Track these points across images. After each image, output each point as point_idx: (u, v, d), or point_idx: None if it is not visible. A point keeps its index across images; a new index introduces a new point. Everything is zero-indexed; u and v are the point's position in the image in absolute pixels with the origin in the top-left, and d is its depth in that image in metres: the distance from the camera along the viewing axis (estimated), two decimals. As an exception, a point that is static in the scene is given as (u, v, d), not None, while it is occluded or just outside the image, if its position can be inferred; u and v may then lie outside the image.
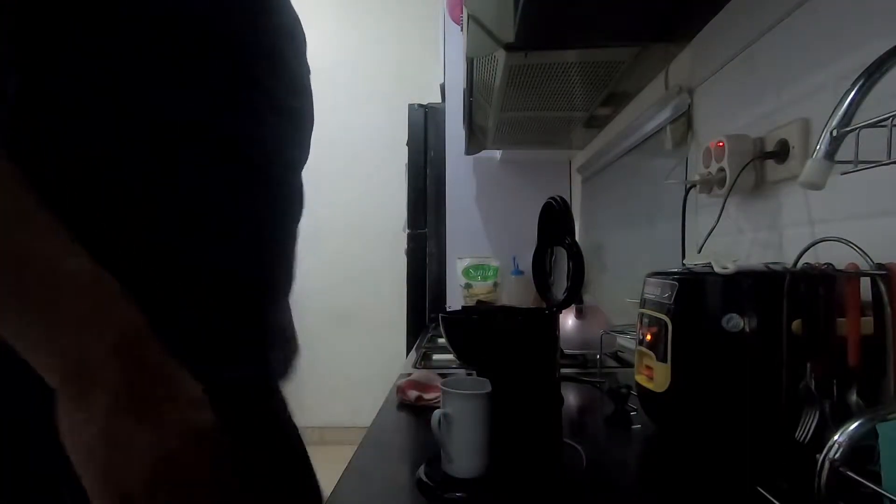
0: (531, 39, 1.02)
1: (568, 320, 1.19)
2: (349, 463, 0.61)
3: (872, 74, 0.43)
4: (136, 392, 0.35)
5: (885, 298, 0.47)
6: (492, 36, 1.01)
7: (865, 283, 0.49)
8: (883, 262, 0.48)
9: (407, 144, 2.35)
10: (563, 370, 1.05)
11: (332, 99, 3.42)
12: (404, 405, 0.86)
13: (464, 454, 0.54)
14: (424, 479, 0.55)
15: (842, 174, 0.48)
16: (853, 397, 0.49)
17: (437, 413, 0.55)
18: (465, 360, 0.63)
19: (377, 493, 0.56)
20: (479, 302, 1.89)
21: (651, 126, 1.26)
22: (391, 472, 0.62)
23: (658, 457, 0.66)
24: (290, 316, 0.58)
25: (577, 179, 2.14)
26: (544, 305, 0.67)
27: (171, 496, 0.35)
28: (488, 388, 0.55)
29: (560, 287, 0.64)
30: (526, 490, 0.54)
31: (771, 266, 0.59)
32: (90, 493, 0.34)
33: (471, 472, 0.54)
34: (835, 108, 0.45)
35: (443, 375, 0.96)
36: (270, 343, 0.53)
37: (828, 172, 0.47)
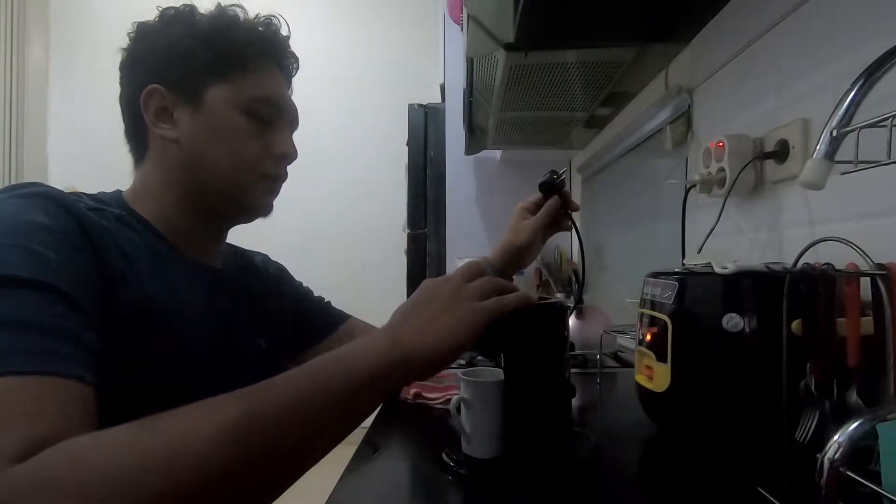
0: (531, 39, 1.02)
1: (568, 320, 1.19)
2: (349, 463, 0.61)
3: (872, 74, 0.43)
4: None
5: (885, 298, 0.47)
6: (492, 36, 1.01)
7: (865, 283, 0.49)
8: (883, 262, 0.48)
9: (407, 144, 2.35)
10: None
11: (333, 99, 3.42)
12: (404, 404, 0.86)
13: (480, 436, 0.59)
14: (446, 458, 0.59)
15: (842, 174, 0.48)
16: (853, 397, 0.49)
17: (455, 398, 0.61)
18: (483, 348, 0.64)
19: (377, 493, 0.57)
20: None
21: (651, 126, 1.26)
22: (391, 472, 0.62)
23: (658, 457, 0.66)
24: None
25: (577, 179, 2.14)
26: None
27: None
28: (501, 377, 0.60)
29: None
30: (540, 468, 0.56)
31: (771, 266, 0.59)
32: None
33: (488, 452, 0.59)
34: (835, 108, 0.45)
35: (441, 375, 0.96)
36: None
37: (828, 172, 0.47)
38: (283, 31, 0.70)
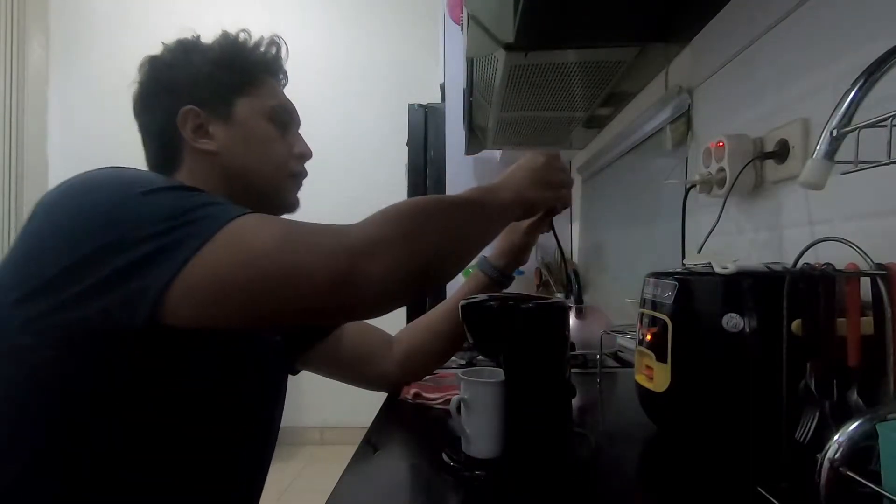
0: (531, 39, 1.02)
1: (568, 320, 1.19)
2: (349, 463, 0.61)
3: (872, 74, 0.43)
4: None
5: (885, 298, 0.47)
6: (492, 36, 1.01)
7: (865, 283, 0.49)
8: (883, 262, 0.48)
9: (407, 144, 2.35)
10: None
11: (333, 99, 3.42)
12: (404, 404, 0.86)
13: (480, 436, 0.60)
14: (446, 458, 0.60)
15: (842, 174, 0.48)
16: (853, 397, 0.49)
17: (455, 398, 0.61)
18: (484, 347, 0.64)
19: (377, 492, 0.57)
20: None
21: (651, 126, 1.26)
22: (391, 472, 0.62)
23: (658, 457, 0.66)
24: None
25: (577, 179, 2.15)
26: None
27: None
28: (502, 378, 0.60)
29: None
30: (540, 469, 0.56)
31: (771, 266, 0.59)
32: None
33: (488, 452, 0.59)
34: (835, 108, 0.45)
35: (441, 375, 0.96)
36: None
37: (828, 172, 0.47)
38: (283, 49, 0.79)
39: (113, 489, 0.54)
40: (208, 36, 0.75)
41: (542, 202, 0.73)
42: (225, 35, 0.74)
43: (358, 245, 0.50)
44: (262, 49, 0.76)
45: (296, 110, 0.79)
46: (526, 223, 0.88)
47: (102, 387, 0.53)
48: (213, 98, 0.70)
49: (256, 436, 0.72)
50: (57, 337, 0.50)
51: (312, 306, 0.51)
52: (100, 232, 0.50)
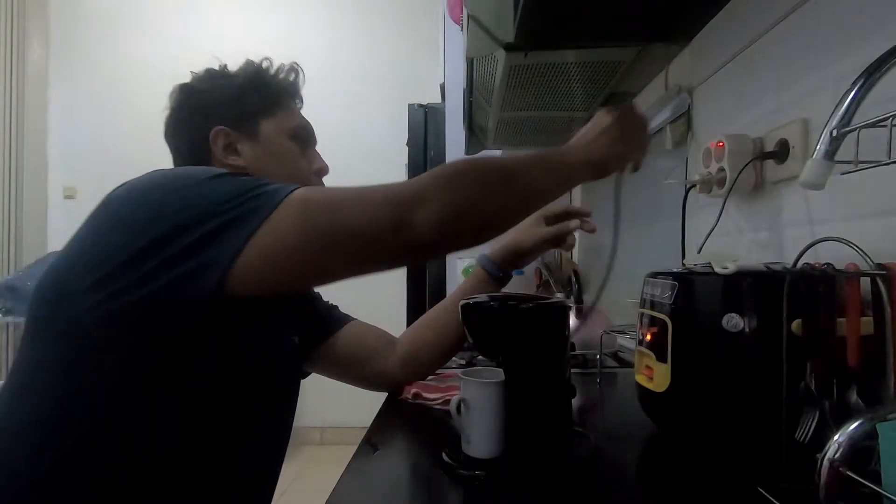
0: (531, 39, 1.02)
1: (568, 320, 1.19)
2: (349, 463, 0.61)
3: (872, 74, 0.44)
4: None
5: (885, 298, 0.47)
6: (492, 36, 1.01)
7: (865, 283, 0.49)
8: (883, 262, 0.48)
9: (407, 144, 2.35)
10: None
11: (332, 99, 3.42)
12: (404, 404, 0.86)
13: (480, 436, 0.60)
14: (446, 458, 0.60)
15: (842, 174, 0.48)
16: (853, 397, 0.49)
17: (455, 398, 0.61)
18: (484, 347, 0.64)
19: (377, 492, 0.57)
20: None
21: (651, 126, 1.26)
22: (391, 472, 0.62)
23: (658, 457, 0.66)
24: None
25: (577, 179, 2.14)
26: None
27: None
28: (502, 378, 0.60)
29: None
30: (540, 469, 0.56)
31: (771, 266, 0.59)
32: None
33: (488, 452, 0.59)
34: (835, 108, 0.45)
35: (441, 375, 0.96)
36: None
37: (828, 172, 0.47)
38: (301, 76, 0.86)
39: (148, 474, 0.58)
40: (234, 62, 0.83)
41: (614, 161, 0.71)
42: (249, 63, 0.82)
43: (405, 197, 0.55)
44: (283, 75, 0.84)
45: (313, 130, 0.85)
46: (542, 231, 0.92)
47: (151, 372, 0.57)
48: (241, 119, 0.77)
49: (272, 437, 0.75)
50: (124, 318, 0.55)
51: (369, 256, 0.57)
52: (172, 215, 0.54)
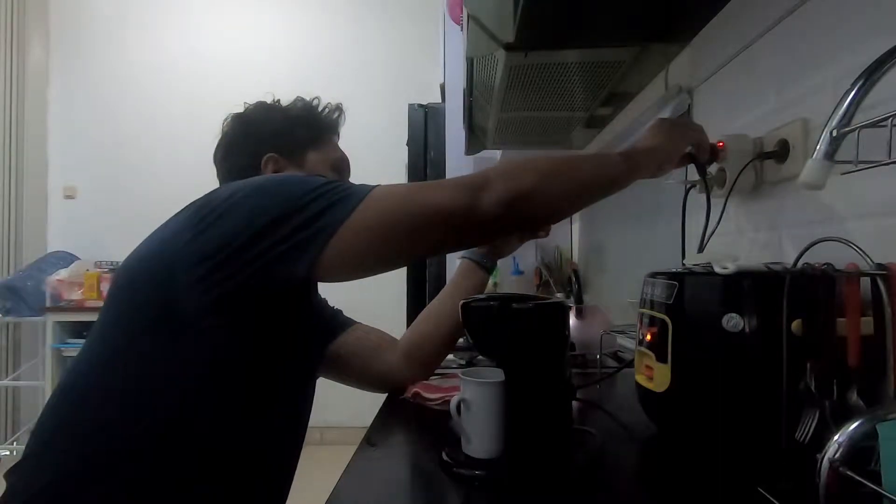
0: (531, 39, 1.02)
1: (568, 320, 1.19)
2: (349, 463, 0.61)
3: (872, 74, 0.44)
4: None
5: (885, 298, 0.47)
6: (492, 36, 1.01)
7: (865, 283, 0.49)
8: (883, 262, 0.48)
9: (407, 144, 2.35)
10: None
11: (332, 99, 3.42)
12: (404, 404, 0.86)
13: (480, 436, 0.60)
14: (446, 458, 0.59)
15: (842, 174, 0.48)
16: (853, 397, 0.49)
17: (455, 398, 0.61)
18: (484, 347, 0.65)
19: (377, 492, 0.57)
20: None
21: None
22: (391, 472, 0.62)
23: (658, 457, 0.66)
24: None
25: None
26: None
27: None
28: (502, 378, 0.60)
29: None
30: (540, 469, 0.56)
31: (771, 266, 0.59)
32: None
33: (488, 452, 0.59)
34: (835, 108, 0.45)
35: (442, 375, 0.96)
36: None
37: (828, 172, 0.47)
38: (343, 115, 0.97)
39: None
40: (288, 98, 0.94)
41: (675, 148, 0.78)
42: (300, 98, 0.93)
43: (475, 183, 0.62)
44: (329, 112, 0.94)
45: (349, 163, 0.95)
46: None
47: (232, 362, 0.64)
48: (291, 148, 0.86)
49: (294, 431, 0.80)
50: (227, 305, 0.62)
51: (449, 234, 0.65)
52: (276, 208, 0.61)
